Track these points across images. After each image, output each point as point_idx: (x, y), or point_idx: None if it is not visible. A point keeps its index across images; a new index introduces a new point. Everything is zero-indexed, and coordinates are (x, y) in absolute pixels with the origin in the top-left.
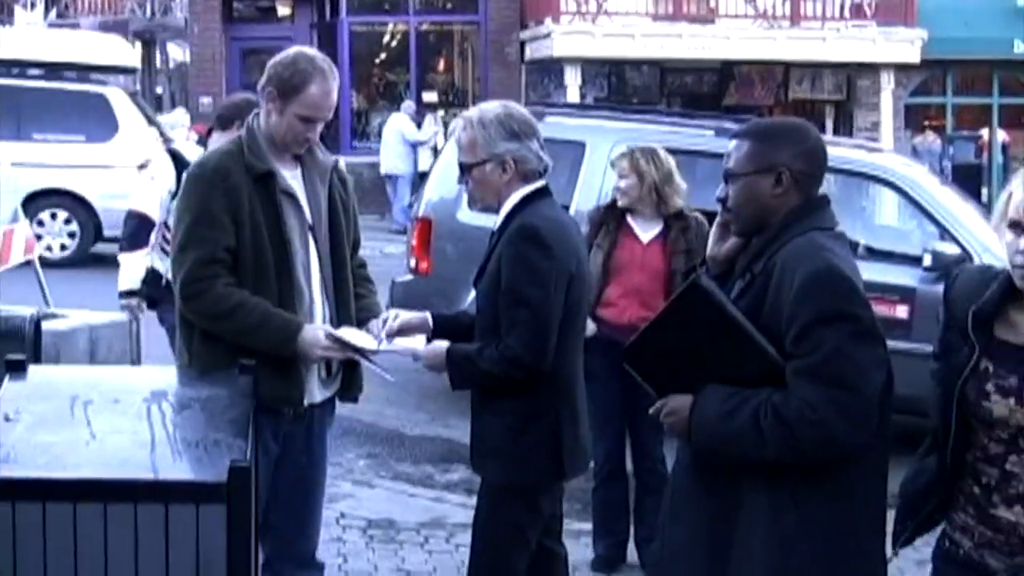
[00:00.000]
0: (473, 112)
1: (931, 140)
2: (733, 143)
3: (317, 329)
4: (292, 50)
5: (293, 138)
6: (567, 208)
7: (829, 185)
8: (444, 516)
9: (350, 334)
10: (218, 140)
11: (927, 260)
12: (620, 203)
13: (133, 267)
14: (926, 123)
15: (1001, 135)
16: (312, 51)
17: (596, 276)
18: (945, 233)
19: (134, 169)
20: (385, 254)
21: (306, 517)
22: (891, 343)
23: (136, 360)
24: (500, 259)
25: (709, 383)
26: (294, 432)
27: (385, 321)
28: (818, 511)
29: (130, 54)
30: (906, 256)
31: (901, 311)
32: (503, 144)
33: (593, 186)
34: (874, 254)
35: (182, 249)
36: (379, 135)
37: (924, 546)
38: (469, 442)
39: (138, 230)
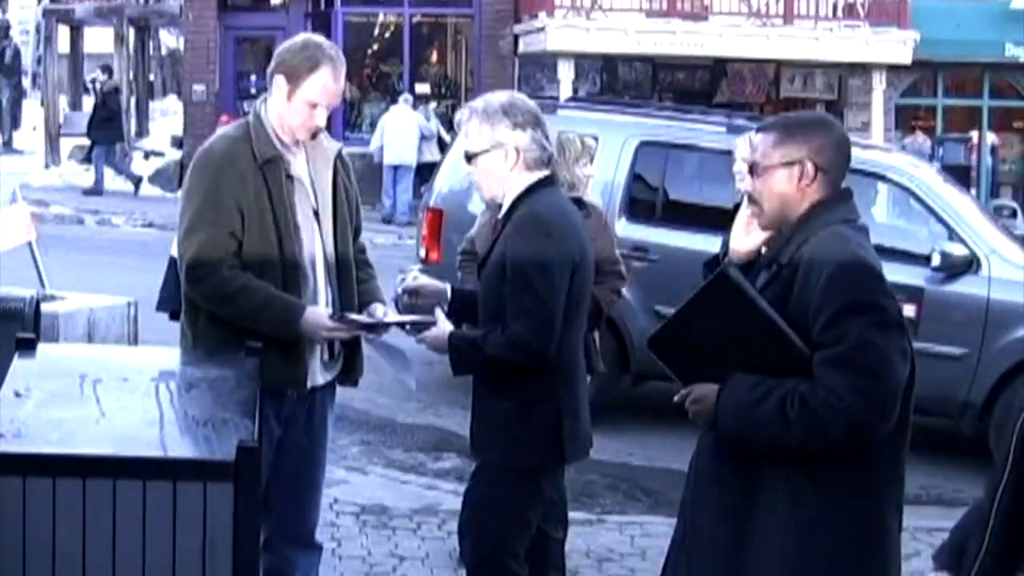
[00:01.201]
0: (479, 101)
1: (920, 141)
2: (759, 137)
3: (320, 311)
4: (300, 37)
5: (301, 124)
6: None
7: None
8: (436, 503)
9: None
10: None
11: (936, 260)
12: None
13: None
14: (916, 124)
15: (991, 138)
16: (320, 38)
17: None
18: (953, 234)
19: None
20: (375, 244)
21: (306, 499)
22: None
23: (134, 342)
24: (505, 247)
25: (735, 372)
26: (296, 414)
27: (402, 280)
28: (838, 497)
29: None
30: (913, 255)
31: (908, 310)
32: (507, 133)
33: (605, 180)
34: (881, 253)
35: (188, 232)
36: (372, 126)
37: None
38: (469, 427)
39: None
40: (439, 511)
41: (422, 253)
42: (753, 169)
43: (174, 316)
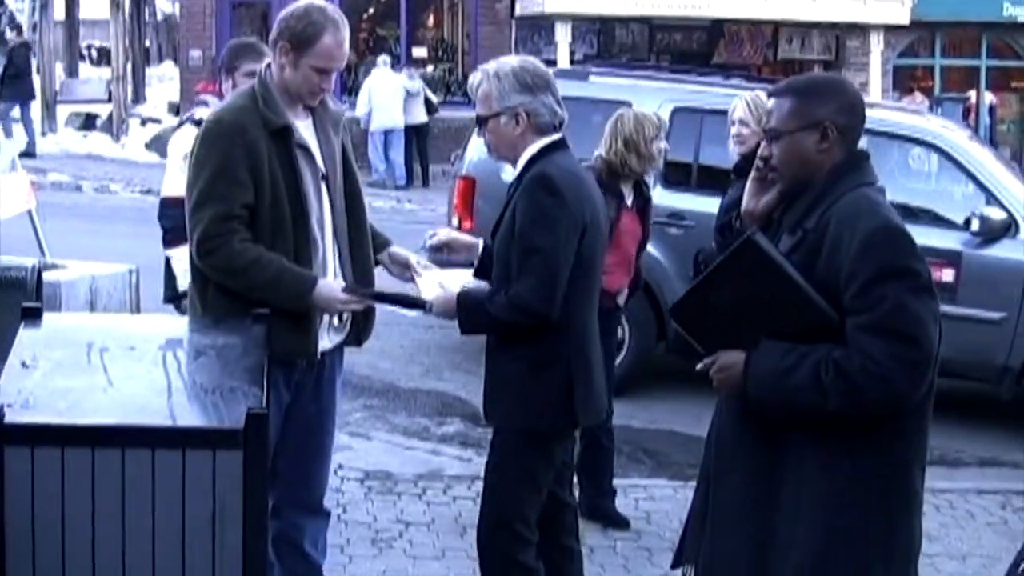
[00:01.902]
0: (491, 65)
1: (919, 102)
2: (772, 101)
3: (332, 283)
4: (302, 2)
5: (309, 90)
6: None
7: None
8: (440, 468)
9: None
10: (228, 88)
11: (975, 224)
12: (641, 167)
13: (185, 262)
14: (914, 85)
15: (989, 97)
16: (322, 2)
17: None
18: (991, 197)
19: None
20: (374, 208)
21: (315, 465)
22: None
23: (136, 310)
24: (515, 209)
25: (761, 339)
26: (304, 380)
27: (433, 235)
28: (871, 464)
29: None
30: (949, 220)
31: (946, 275)
32: (516, 97)
33: None
34: (917, 217)
35: (199, 205)
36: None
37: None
38: (483, 391)
39: (181, 219)
40: (443, 476)
41: (454, 222)
42: (771, 135)
43: (169, 301)
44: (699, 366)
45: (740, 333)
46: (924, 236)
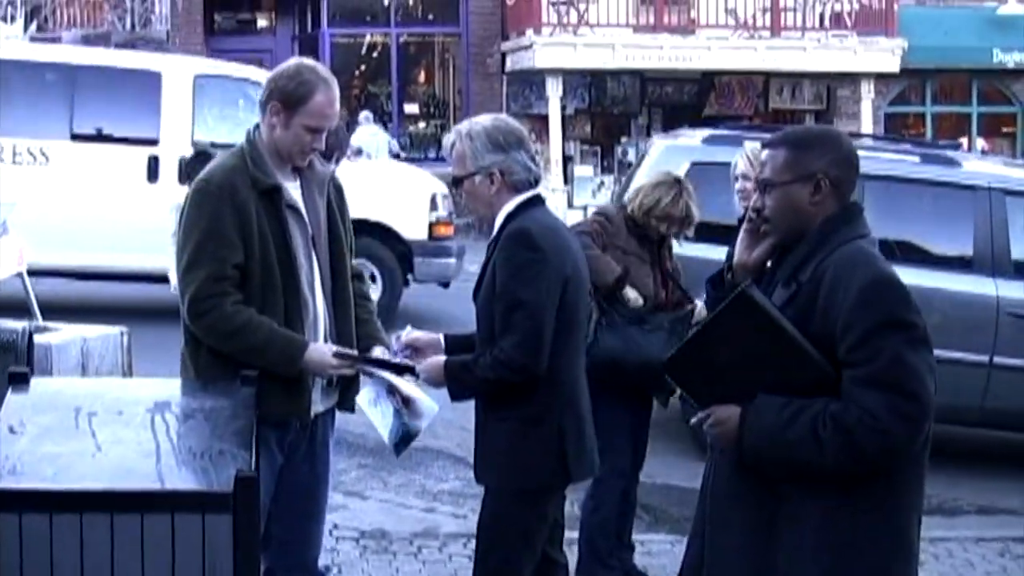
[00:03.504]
0: (463, 125)
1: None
2: (766, 152)
3: (323, 347)
4: (292, 61)
5: (300, 149)
6: None
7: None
8: (436, 526)
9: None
10: None
11: None
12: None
13: None
14: (905, 132)
15: (980, 143)
16: (311, 61)
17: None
18: None
19: None
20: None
21: (308, 526)
22: None
23: (128, 373)
24: (495, 266)
25: (756, 393)
26: (297, 442)
27: (398, 338)
28: (869, 517)
29: None
30: None
31: None
32: (489, 156)
33: None
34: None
35: (190, 266)
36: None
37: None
38: (473, 451)
39: None
40: (439, 534)
41: None
42: (764, 186)
43: None
44: (693, 421)
45: (735, 387)
46: None
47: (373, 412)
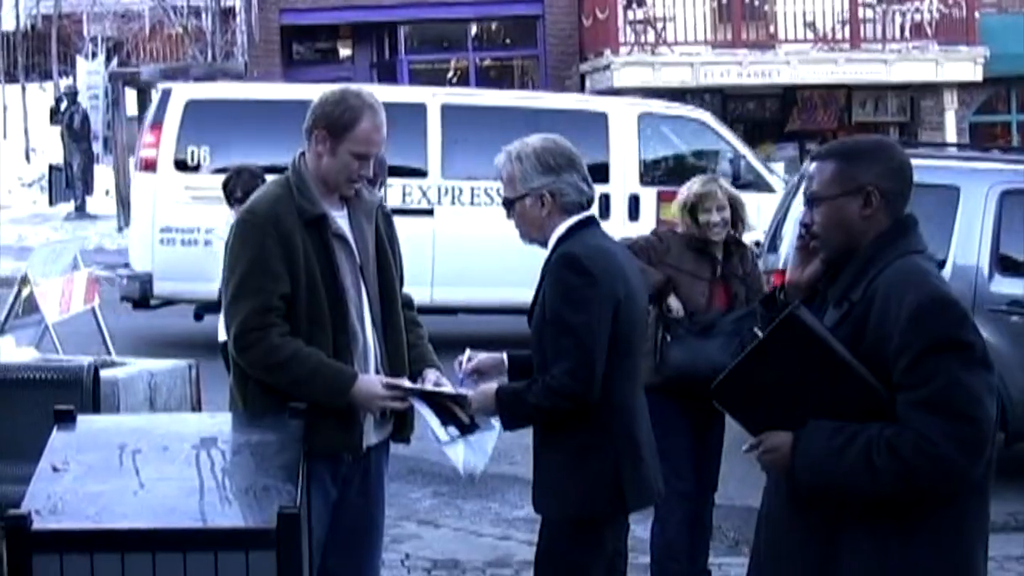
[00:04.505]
0: (513, 146)
1: None
2: (813, 165)
3: (372, 379)
4: (337, 87)
5: (347, 177)
6: (943, 263)
7: None
8: (510, 554)
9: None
10: None
11: None
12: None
13: None
14: (991, 142)
15: None
16: (357, 86)
17: None
18: None
19: None
20: None
21: (365, 560)
22: None
23: (196, 406)
24: (545, 292)
25: (808, 418)
26: (351, 475)
27: (460, 364)
28: (928, 545)
29: None
30: None
31: None
32: (539, 178)
33: (971, 234)
34: None
35: (235, 299)
36: None
37: None
38: (532, 481)
39: None
40: (513, 562)
41: None
42: (812, 200)
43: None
44: (745, 448)
45: (786, 412)
46: None
47: (443, 439)
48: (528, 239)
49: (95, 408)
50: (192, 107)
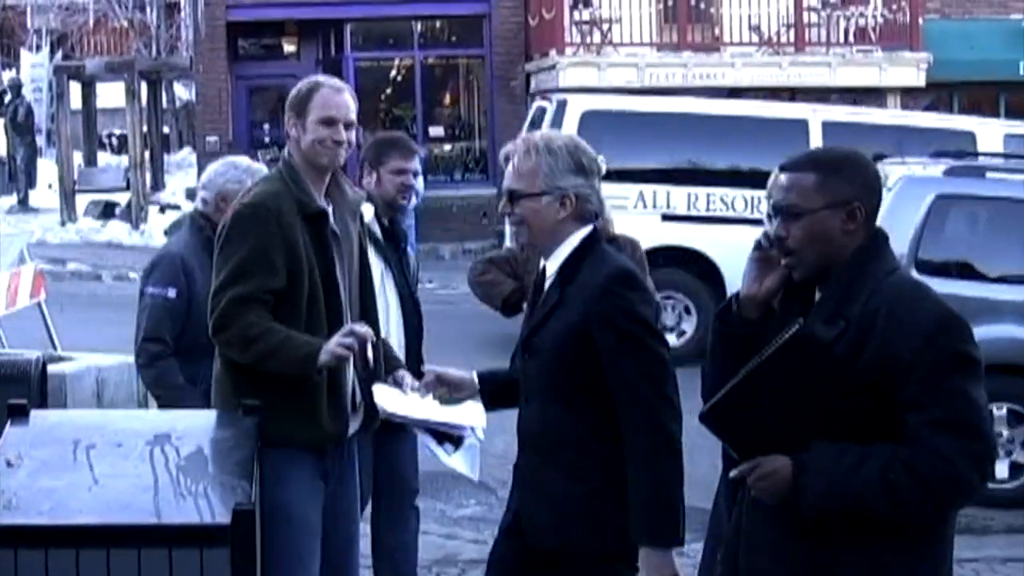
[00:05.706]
0: (537, 136)
1: None
2: (787, 176)
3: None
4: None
5: (322, 147)
6: None
7: None
8: (456, 553)
9: (389, 397)
10: (370, 182)
11: None
12: None
13: None
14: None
15: None
16: (318, 76)
17: None
18: None
19: None
20: None
21: (347, 552)
22: None
23: (143, 403)
24: (586, 313)
25: (804, 438)
26: (332, 469)
27: (428, 385)
28: (919, 565)
29: None
30: None
31: None
32: (571, 178)
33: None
34: None
35: (224, 285)
36: None
37: None
38: (529, 514)
39: None
40: (458, 561)
41: None
42: (790, 212)
43: None
44: (734, 473)
45: (780, 434)
46: None
47: (448, 456)
48: (529, 240)
49: (42, 403)
50: (588, 118)
